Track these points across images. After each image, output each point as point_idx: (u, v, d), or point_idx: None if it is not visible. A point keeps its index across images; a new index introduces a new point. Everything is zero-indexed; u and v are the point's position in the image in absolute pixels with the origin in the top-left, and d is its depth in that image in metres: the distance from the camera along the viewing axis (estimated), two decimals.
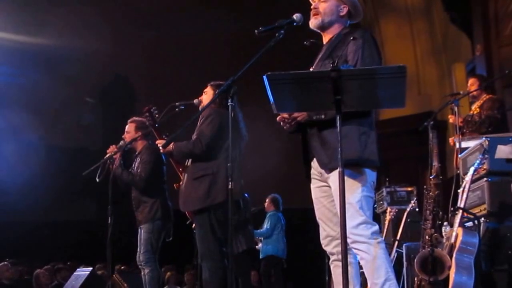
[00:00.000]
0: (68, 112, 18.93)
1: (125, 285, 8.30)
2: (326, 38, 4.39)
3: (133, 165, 7.55)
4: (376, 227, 4.07)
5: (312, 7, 4.37)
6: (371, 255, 3.97)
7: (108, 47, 17.00)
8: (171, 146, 6.12)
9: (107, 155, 7.32)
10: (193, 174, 6.02)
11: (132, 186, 7.37)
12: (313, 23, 4.35)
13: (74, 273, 8.74)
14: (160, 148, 6.30)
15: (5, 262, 10.86)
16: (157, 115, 6.61)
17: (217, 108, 6.00)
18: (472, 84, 7.93)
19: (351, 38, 4.12)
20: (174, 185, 6.56)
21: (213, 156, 5.90)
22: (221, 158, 5.85)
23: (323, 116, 4.05)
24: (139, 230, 7.43)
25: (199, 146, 5.92)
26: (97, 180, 7.19)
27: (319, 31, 4.40)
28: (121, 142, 7.52)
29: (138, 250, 7.40)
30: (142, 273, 7.44)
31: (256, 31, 4.18)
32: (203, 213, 5.92)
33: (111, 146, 7.42)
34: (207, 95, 6.25)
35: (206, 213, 5.92)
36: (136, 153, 7.58)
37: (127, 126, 7.62)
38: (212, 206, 5.89)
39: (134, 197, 7.45)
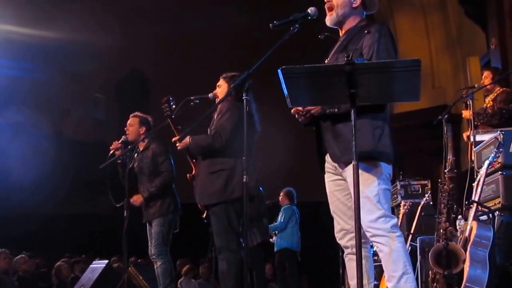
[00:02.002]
0: (84, 106, 19.02)
1: (141, 277, 8.35)
2: (342, 32, 4.37)
3: (136, 160, 7.57)
4: (395, 220, 4.07)
5: (325, 0, 4.36)
6: (390, 248, 3.98)
7: (120, 42, 17.05)
8: (187, 139, 6.13)
9: (111, 152, 7.36)
10: (210, 168, 6.03)
11: (164, 185, 7.42)
12: (329, 20, 4.35)
13: (90, 265, 8.78)
14: (177, 145, 6.31)
15: (23, 255, 10.92)
16: (174, 106, 6.63)
17: (234, 101, 6.01)
18: (486, 77, 7.90)
19: (367, 31, 4.11)
20: (187, 175, 6.60)
21: (231, 150, 5.91)
22: (238, 153, 5.86)
23: (336, 110, 4.05)
24: (147, 224, 7.48)
25: (219, 140, 5.93)
26: (107, 180, 7.28)
27: (336, 27, 4.39)
28: (123, 137, 7.55)
29: (150, 244, 7.46)
30: (155, 266, 7.49)
31: (271, 24, 4.19)
32: (221, 206, 5.95)
33: (114, 143, 7.44)
34: (222, 89, 6.25)
35: (224, 206, 5.94)
36: (141, 149, 7.60)
37: (129, 120, 7.64)
38: (229, 200, 5.93)
39: (143, 192, 7.48)
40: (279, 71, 3.51)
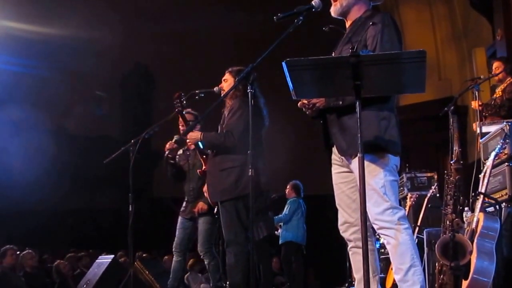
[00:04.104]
0: (86, 103, 19.06)
1: (147, 272, 8.35)
2: (348, 23, 4.35)
3: (186, 157, 7.57)
4: (403, 212, 4.03)
5: None
6: (397, 240, 3.96)
7: (123, 39, 17.10)
8: (198, 135, 6.13)
9: (167, 153, 7.36)
10: (220, 165, 6.03)
11: None
12: (333, 10, 4.32)
13: (96, 260, 8.78)
14: (187, 140, 6.30)
15: (30, 250, 10.94)
16: (185, 102, 6.62)
17: (245, 98, 5.98)
18: (497, 67, 7.86)
19: (371, 23, 4.07)
20: (198, 171, 6.61)
21: (243, 148, 5.88)
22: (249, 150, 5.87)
23: (340, 103, 4.03)
24: (186, 221, 7.51)
25: (231, 139, 5.93)
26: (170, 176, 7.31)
27: (341, 18, 4.36)
28: (176, 137, 7.55)
29: (177, 238, 7.49)
30: (175, 259, 7.53)
31: (275, 17, 4.17)
32: (231, 202, 5.95)
33: (168, 143, 7.40)
34: (228, 83, 6.24)
35: (234, 201, 5.95)
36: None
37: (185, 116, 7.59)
38: (240, 196, 5.94)
39: (193, 188, 7.46)
40: (283, 63, 3.50)
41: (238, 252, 5.97)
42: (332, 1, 4.33)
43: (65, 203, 17.43)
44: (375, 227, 4.02)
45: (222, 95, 6.11)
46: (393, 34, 4.05)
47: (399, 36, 4.11)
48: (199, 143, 6.46)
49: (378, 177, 3.97)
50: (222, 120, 6.18)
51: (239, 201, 5.97)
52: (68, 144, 17.56)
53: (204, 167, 6.46)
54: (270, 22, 4.23)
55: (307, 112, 4.18)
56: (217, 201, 6.17)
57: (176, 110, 6.73)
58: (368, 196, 3.67)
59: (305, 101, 4.10)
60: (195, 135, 6.19)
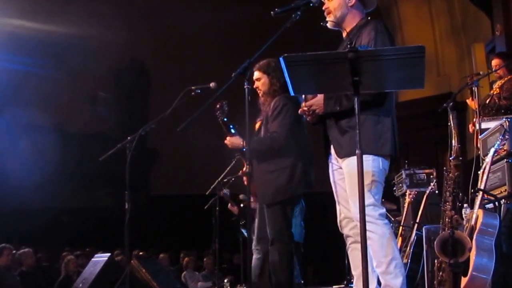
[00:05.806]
0: (85, 101, 19.06)
1: (144, 270, 8.31)
2: (344, 33, 4.49)
3: None
4: (383, 210, 4.28)
5: (323, 8, 4.50)
6: (378, 234, 4.16)
7: (121, 37, 17.09)
8: (240, 143, 6.04)
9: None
10: (269, 166, 5.90)
11: None
12: (329, 23, 4.48)
13: (92, 259, 8.75)
14: (228, 143, 6.20)
15: (29, 249, 10.91)
16: (226, 109, 6.50)
17: (284, 93, 5.88)
18: (497, 65, 7.81)
19: (364, 31, 4.25)
20: (240, 171, 6.56)
21: (291, 148, 5.81)
22: (298, 149, 5.80)
23: (338, 108, 4.20)
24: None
25: (278, 141, 5.80)
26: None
27: (337, 29, 4.49)
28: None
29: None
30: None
31: (272, 12, 4.24)
32: (280, 203, 5.89)
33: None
34: (261, 81, 6.09)
35: (284, 202, 5.89)
36: None
37: None
38: (292, 197, 5.92)
39: None
40: (281, 59, 3.50)
41: (282, 251, 5.92)
42: (326, 14, 4.49)
43: (61, 201, 17.42)
44: (356, 221, 4.15)
45: (263, 100, 6.10)
46: (385, 41, 4.22)
47: (392, 43, 4.30)
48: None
49: (366, 175, 4.01)
50: (265, 119, 6.08)
51: (288, 203, 5.92)
52: (65, 142, 17.53)
53: (245, 167, 6.38)
54: (267, 18, 4.26)
55: (308, 119, 4.41)
56: (269, 203, 6.06)
57: (219, 119, 6.55)
58: (354, 192, 3.85)
59: (305, 108, 4.32)
60: (237, 142, 6.08)
